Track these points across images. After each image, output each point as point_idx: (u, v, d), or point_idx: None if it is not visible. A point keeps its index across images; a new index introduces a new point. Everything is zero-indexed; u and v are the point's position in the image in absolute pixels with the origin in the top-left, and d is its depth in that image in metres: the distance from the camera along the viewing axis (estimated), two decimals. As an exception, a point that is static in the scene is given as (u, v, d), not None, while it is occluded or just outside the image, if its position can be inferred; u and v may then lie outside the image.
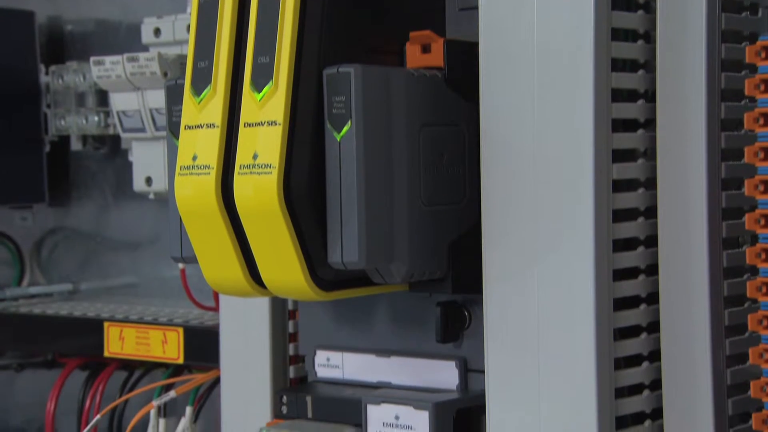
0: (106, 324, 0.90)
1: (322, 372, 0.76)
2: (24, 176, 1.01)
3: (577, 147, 0.63)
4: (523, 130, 0.65)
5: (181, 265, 0.89)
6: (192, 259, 0.67)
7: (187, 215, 0.65)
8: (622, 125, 0.65)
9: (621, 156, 0.65)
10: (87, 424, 0.91)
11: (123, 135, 0.91)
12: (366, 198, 0.62)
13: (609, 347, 0.64)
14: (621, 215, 0.65)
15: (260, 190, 0.62)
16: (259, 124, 0.63)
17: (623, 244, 0.65)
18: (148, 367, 0.94)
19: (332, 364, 0.76)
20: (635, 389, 0.66)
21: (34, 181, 1.01)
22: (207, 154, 0.64)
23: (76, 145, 1.01)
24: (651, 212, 0.66)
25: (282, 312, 0.78)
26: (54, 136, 1.01)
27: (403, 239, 0.65)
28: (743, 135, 0.63)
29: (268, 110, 0.62)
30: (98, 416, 0.84)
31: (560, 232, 0.64)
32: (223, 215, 0.64)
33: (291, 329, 0.79)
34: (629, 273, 0.66)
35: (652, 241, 0.66)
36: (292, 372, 0.79)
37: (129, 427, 0.80)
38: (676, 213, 0.64)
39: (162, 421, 0.89)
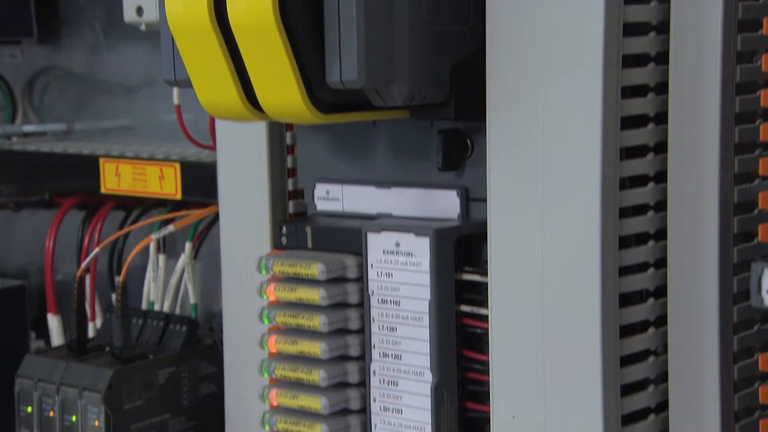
0: (101, 160, 0.89)
1: (321, 205, 0.75)
2: (10, 9, 0.98)
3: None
4: (530, -57, 0.62)
5: (176, 102, 0.87)
6: (186, 83, 0.65)
7: (179, 33, 0.63)
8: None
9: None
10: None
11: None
12: (365, 12, 0.60)
13: (614, 197, 0.62)
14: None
15: (254, 3, 0.59)
16: (252, -68, 0.60)
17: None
18: (146, 207, 0.93)
19: (332, 197, 0.75)
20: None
21: (21, 14, 0.98)
22: (198, -33, 0.61)
23: (62, -25, 0.98)
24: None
25: (280, 146, 0.77)
26: (38, -36, 0.98)
27: (405, 58, 0.62)
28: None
29: None
30: (97, 249, 0.84)
31: (567, 53, 0.62)
32: (216, 32, 0.61)
33: (290, 164, 0.77)
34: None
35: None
36: (291, 207, 0.78)
37: (128, 261, 0.80)
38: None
39: (161, 257, 0.89)
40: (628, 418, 0.64)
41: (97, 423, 0.76)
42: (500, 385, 0.65)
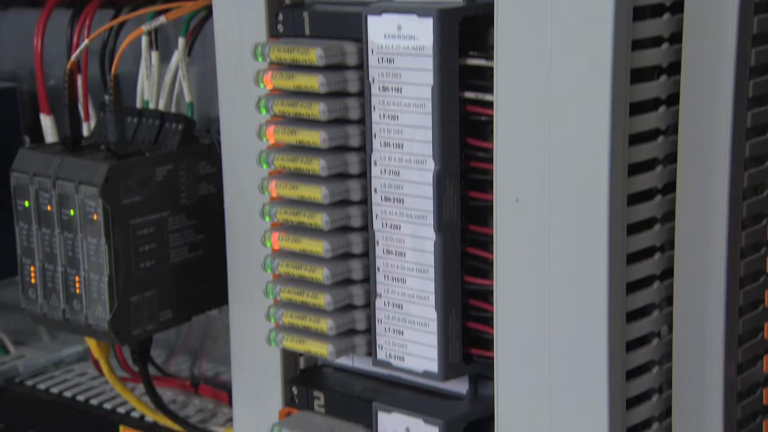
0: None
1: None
2: None
3: None
4: None
5: None
6: None
7: None
8: None
9: None
10: (77, 64, 0.88)
11: None
12: None
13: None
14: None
15: None
16: None
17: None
18: (136, 4, 0.89)
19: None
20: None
21: None
22: None
23: None
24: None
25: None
26: None
27: None
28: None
29: None
30: (87, 41, 0.81)
31: None
32: None
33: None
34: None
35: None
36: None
37: (119, 53, 0.77)
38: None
39: (154, 54, 0.86)
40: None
41: (95, 217, 0.75)
42: (504, 169, 0.64)
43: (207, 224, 0.83)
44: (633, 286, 0.64)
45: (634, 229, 0.63)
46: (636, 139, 0.62)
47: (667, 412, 0.66)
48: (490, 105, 0.65)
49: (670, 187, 0.64)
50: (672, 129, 0.64)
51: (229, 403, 0.90)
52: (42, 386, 0.99)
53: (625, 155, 0.61)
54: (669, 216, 0.64)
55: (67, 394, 0.97)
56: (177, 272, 0.82)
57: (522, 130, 0.63)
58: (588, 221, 0.61)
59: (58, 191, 0.77)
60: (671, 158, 0.64)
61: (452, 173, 0.67)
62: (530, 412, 0.65)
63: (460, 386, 0.72)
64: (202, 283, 0.83)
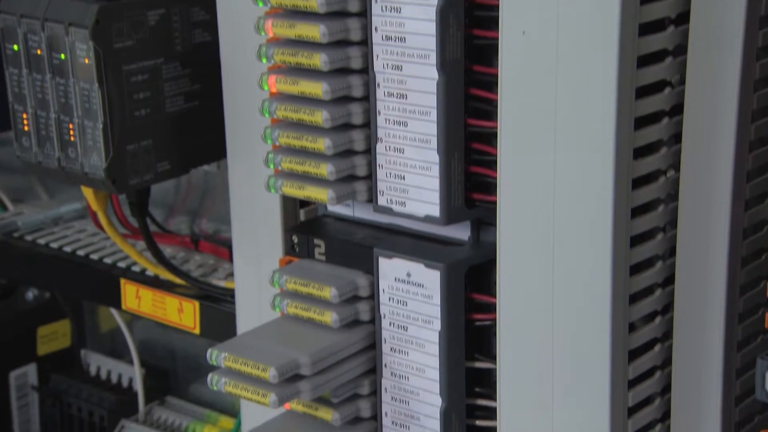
0: None
1: None
2: None
3: None
4: None
5: None
6: None
7: None
8: None
9: None
10: None
11: None
12: None
13: None
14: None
15: None
16: None
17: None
18: None
19: None
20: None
21: None
22: None
23: None
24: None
25: None
26: None
27: None
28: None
29: None
30: None
31: None
32: None
33: None
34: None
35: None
36: None
37: None
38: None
39: None
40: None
41: (87, 61, 0.73)
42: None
43: (203, 74, 0.81)
44: (641, 122, 0.62)
45: (643, 61, 0.61)
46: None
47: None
48: (495, -63, 0.62)
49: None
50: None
51: (230, 259, 0.89)
52: (42, 241, 0.98)
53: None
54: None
55: (67, 249, 0.96)
56: (173, 122, 0.80)
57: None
58: (597, 51, 0.59)
59: (48, 33, 0.74)
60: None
61: (456, 8, 0.64)
62: (532, 255, 0.64)
63: (461, 233, 0.71)
64: (199, 135, 0.82)
